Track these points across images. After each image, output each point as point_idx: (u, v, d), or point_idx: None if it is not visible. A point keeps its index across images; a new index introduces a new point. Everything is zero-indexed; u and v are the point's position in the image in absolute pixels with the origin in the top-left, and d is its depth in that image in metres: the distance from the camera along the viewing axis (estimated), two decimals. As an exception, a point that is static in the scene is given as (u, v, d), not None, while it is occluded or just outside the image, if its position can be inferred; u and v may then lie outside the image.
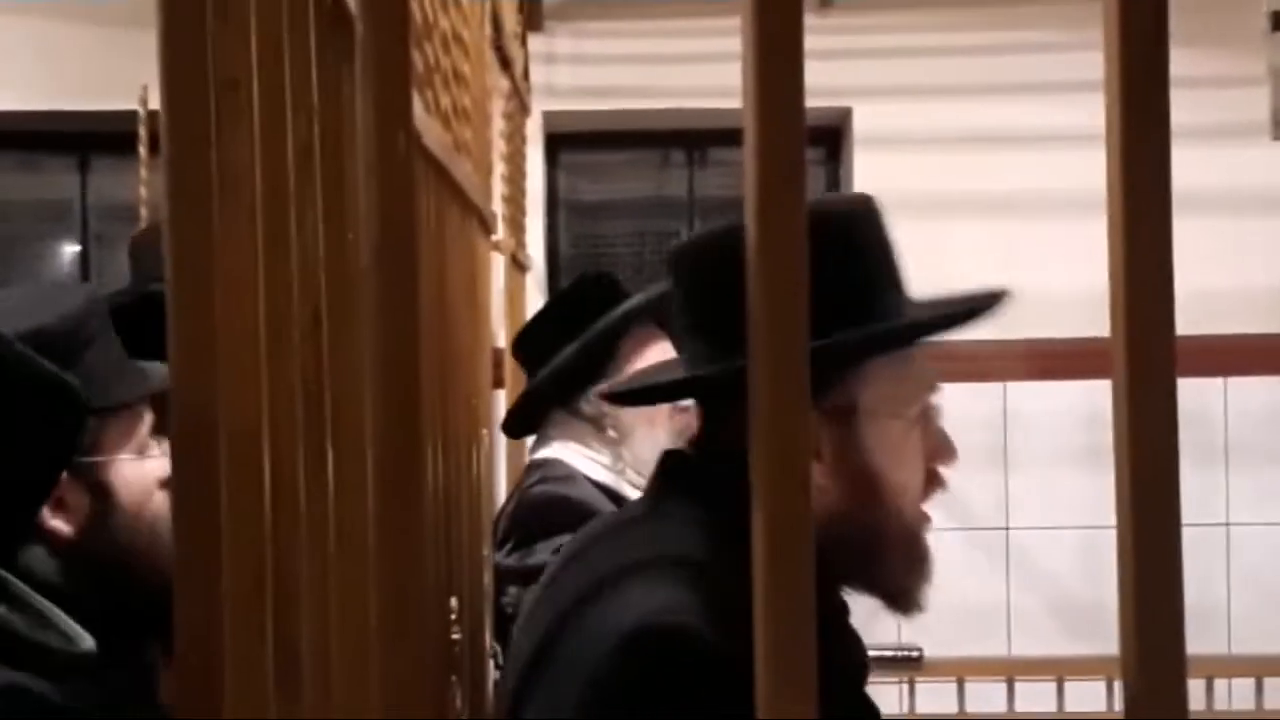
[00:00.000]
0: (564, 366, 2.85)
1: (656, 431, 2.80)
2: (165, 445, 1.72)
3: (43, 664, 1.36)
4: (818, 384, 1.44)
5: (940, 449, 1.55)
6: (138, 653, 1.72)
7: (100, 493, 1.63)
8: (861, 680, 1.58)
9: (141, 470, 1.68)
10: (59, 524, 1.58)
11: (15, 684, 1.42)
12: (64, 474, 1.54)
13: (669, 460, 1.60)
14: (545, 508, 2.74)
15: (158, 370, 1.76)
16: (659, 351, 2.78)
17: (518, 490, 2.94)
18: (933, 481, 1.55)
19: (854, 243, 1.49)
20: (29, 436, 1.36)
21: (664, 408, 2.58)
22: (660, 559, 1.45)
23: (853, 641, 1.57)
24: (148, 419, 1.72)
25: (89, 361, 1.60)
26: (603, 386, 1.77)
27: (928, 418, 1.54)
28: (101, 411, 1.59)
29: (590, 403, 2.85)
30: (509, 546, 2.74)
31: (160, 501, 1.69)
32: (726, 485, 1.49)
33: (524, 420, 3.01)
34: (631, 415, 2.79)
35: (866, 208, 1.54)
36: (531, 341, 2.92)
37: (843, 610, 1.55)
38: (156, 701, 1.72)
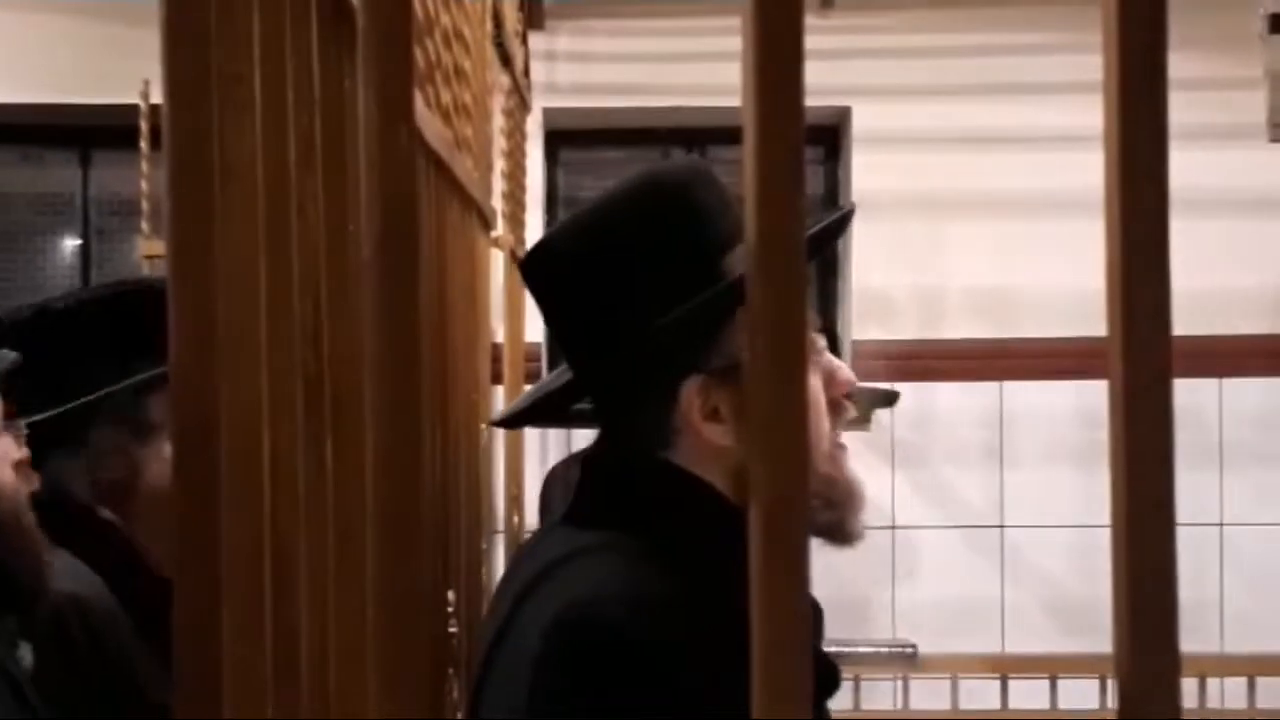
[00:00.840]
0: None
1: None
2: (17, 427, 1.81)
3: None
4: (697, 351, 1.45)
5: (832, 378, 1.54)
6: (7, 642, 1.75)
7: None
8: (817, 637, 1.58)
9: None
10: None
11: None
12: None
13: (588, 465, 1.60)
14: None
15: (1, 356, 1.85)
16: None
17: (566, 472, 2.94)
18: (835, 409, 1.54)
19: (698, 204, 1.50)
20: None
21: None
22: (602, 544, 1.46)
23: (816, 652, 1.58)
24: None
25: None
26: (493, 419, 1.77)
27: (813, 353, 1.53)
28: None
29: (489, 421, 2.86)
30: None
31: (10, 481, 1.74)
32: (645, 481, 1.50)
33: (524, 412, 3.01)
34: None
35: (701, 169, 1.55)
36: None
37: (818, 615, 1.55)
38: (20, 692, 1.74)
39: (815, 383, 1.51)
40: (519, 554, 1.65)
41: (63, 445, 2.05)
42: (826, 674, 1.52)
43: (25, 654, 1.81)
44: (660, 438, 1.47)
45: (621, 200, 1.51)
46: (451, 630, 1.87)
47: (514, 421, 1.99)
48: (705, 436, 1.45)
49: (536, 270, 1.56)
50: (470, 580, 2.15)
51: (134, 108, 4.23)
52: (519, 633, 1.43)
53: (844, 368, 1.56)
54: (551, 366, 2.99)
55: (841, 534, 1.53)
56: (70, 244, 5.40)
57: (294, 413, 0.89)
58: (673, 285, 1.45)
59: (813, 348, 1.53)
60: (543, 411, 1.73)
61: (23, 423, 1.87)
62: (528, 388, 1.79)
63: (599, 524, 1.49)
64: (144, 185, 4.26)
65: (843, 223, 1.58)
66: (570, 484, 3.01)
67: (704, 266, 1.46)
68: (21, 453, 1.81)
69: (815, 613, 1.56)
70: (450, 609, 1.87)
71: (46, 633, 1.97)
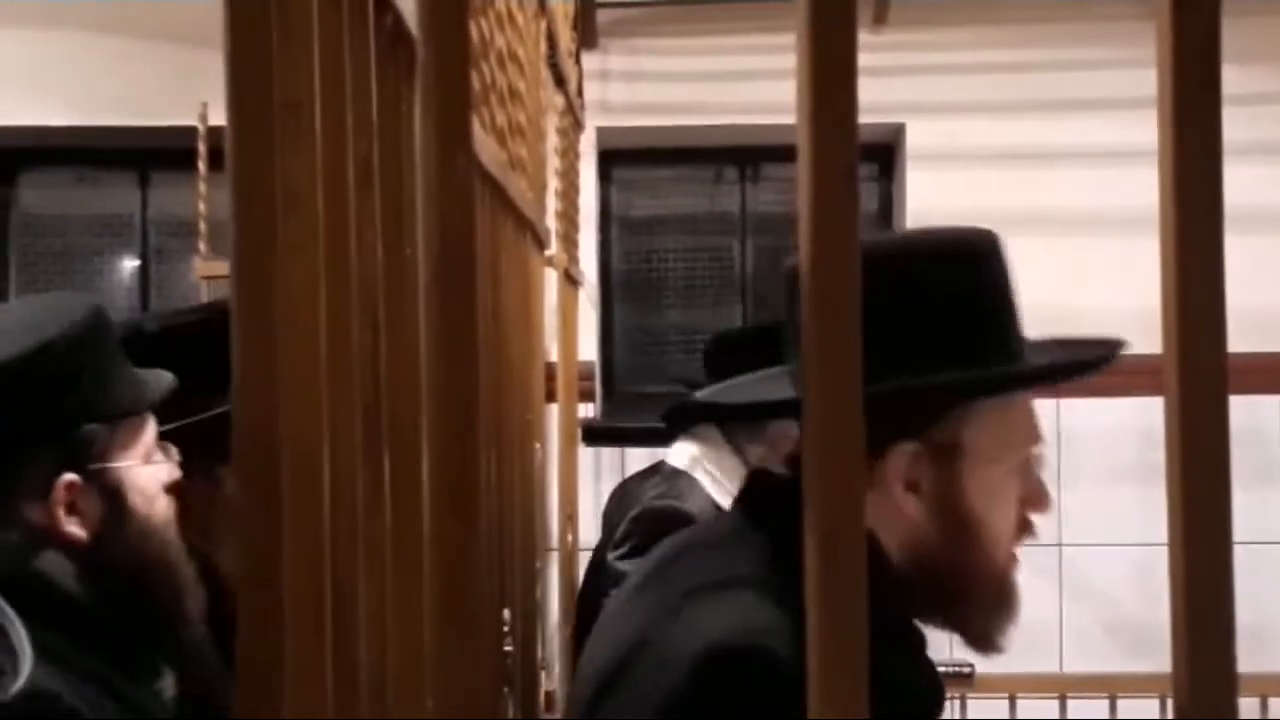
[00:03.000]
0: (751, 406, 2.85)
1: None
2: (170, 451, 1.81)
3: None
4: (926, 418, 1.43)
5: (1036, 497, 1.53)
6: (152, 672, 1.76)
7: (112, 498, 1.68)
8: (937, 709, 1.57)
9: (149, 476, 1.74)
10: (74, 529, 1.64)
11: (40, 688, 1.46)
12: (78, 480, 1.62)
13: (756, 479, 1.60)
14: (664, 519, 2.74)
15: (159, 380, 1.84)
16: None
17: (640, 490, 2.94)
18: (1024, 528, 1.53)
19: (976, 278, 1.48)
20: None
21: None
22: (738, 579, 1.45)
23: (928, 671, 1.57)
24: (151, 426, 1.78)
25: (100, 372, 1.67)
26: (704, 393, 1.74)
27: (1028, 465, 1.53)
28: (108, 419, 1.67)
29: (745, 434, 2.85)
30: (625, 549, 2.77)
31: (165, 506, 1.76)
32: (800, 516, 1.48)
33: (679, 417, 2.99)
34: (770, 450, 2.77)
35: (990, 242, 1.52)
36: (726, 351, 2.90)
37: (923, 643, 1.54)
38: None
39: (1017, 488, 1.50)
40: (659, 563, 1.63)
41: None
42: None
43: (168, 685, 1.82)
44: None
45: (914, 244, 1.48)
46: (507, 649, 1.88)
47: (718, 411, 1.98)
48: (896, 502, 1.44)
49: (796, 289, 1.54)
50: (525, 599, 2.16)
51: (192, 130, 4.27)
52: (661, 653, 1.41)
53: (1049, 495, 1.54)
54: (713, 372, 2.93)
55: (989, 643, 1.52)
56: (129, 265, 5.46)
57: (353, 436, 0.90)
58: (936, 348, 1.43)
59: (1034, 460, 1.52)
60: (745, 411, 1.70)
61: (173, 447, 1.87)
62: (739, 379, 1.75)
63: (757, 547, 1.47)
64: (201, 206, 4.30)
65: (1106, 357, 1.55)
66: (635, 499, 2.99)
67: (969, 341, 1.44)
68: (175, 475, 1.84)
69: (940, 692, 1.56)
70: (505, 628, 1.87)
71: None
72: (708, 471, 2.88)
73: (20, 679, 1.43)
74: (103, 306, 1.76)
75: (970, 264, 1.47)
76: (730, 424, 2.87)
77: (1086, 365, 1.49)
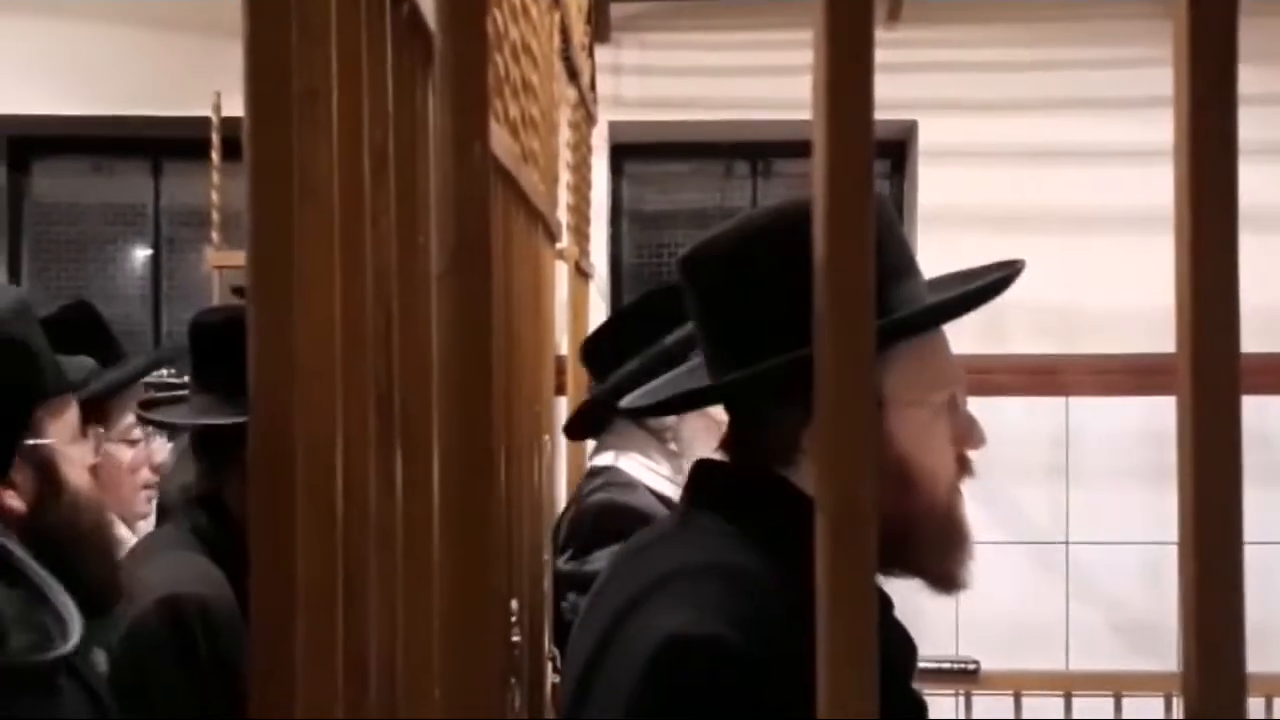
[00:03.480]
0: (629, 378, 2.86)
1: (717, 442, 2.81)
2: (96, 435, 1.92)
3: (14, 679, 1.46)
4: None
5: (967, 433, 1.54)
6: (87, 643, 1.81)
7: (46, 473, 1.79)
8: (909, 671, 1.57)
9: (78, 453, 1.82)
10: (12, 501, 1.74)
11: None
12: (14, 456, 1.72)
13: (701, 469, 1.61)
14: (605, 515, 2.75)
15: (78, 364, 1.96)
16: None
17: (577, 496, 2.95)
18: (963, 465, 1.54)
19: None
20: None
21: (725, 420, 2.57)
22: (695, 567, 1.46)
23: (897, 633, 1.57)
24: (74, 408, 1.89)
25: (31, 356, 1.77)
26: (626, 402, 1.76)
27: (954, 403, 1.53)
28: (43, 399, 1.78)
29: (623, 404, 2.86)
30: (569, 553, 2.76)
31: (90, 484, 1.86)
32: (758, 493, 1.50)
33: (586, 424, 3.03)
34: (692, 428, 2.80)
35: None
36: (599, 349, 2.93)
37: (887, 604, 1.55)
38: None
39: (947, 427, 1.51)
40: (623, 558, 1.64)
41: (236, 451, 2.10)
42: (915, 708, 1.53)
43: (100, 660, 1.86)
44: (784, 455, 1.47)
45: (794, 213, 1.49)
46: (514, 640, 1.88)
47: (643, 412, 1.99)
48: None
49: (699, 270, 1.55)
50: (533, 591, 2.16)
51: (205, 120, 4.28)
52: (624, 645, 1.42)
53: (981, 430, 1.55)
54: (595, 374, 2.98)
55: (950, 582, 1.53)
56: (142, 254, 5.48)
57: (366, 425, 0.90)
58: None
59: (959, 399, 1.53)
60: (669, 408, 1.71)
61: (99, 430, 2.01)
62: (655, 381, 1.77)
63: (712, 537, 1.48)
64: (214, 196, 4.31)
65: (1007, 281, 1.56)
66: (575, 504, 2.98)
67: (880, 292, 1.44)
68: (159, 458, 1.94)
69: (911, 650, 1.56)
70: (513, 619, 1.88)
71: (154, 633, 2.05)
72: (635, 460, 2.89)
73: (70, 643, 1.49)
74: (25, 297, 1.87)
75: None
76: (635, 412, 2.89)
77: (980, 293, 1.49)
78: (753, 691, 1.31)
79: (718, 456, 1.59)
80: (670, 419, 2.81)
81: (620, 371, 2.85)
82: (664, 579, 1.46)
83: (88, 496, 1.85)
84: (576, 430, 3.13)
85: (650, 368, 2.84)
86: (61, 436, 1.83)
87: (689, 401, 1.63)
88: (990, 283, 1.50)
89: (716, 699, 1.32)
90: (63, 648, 1.52)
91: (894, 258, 1.49)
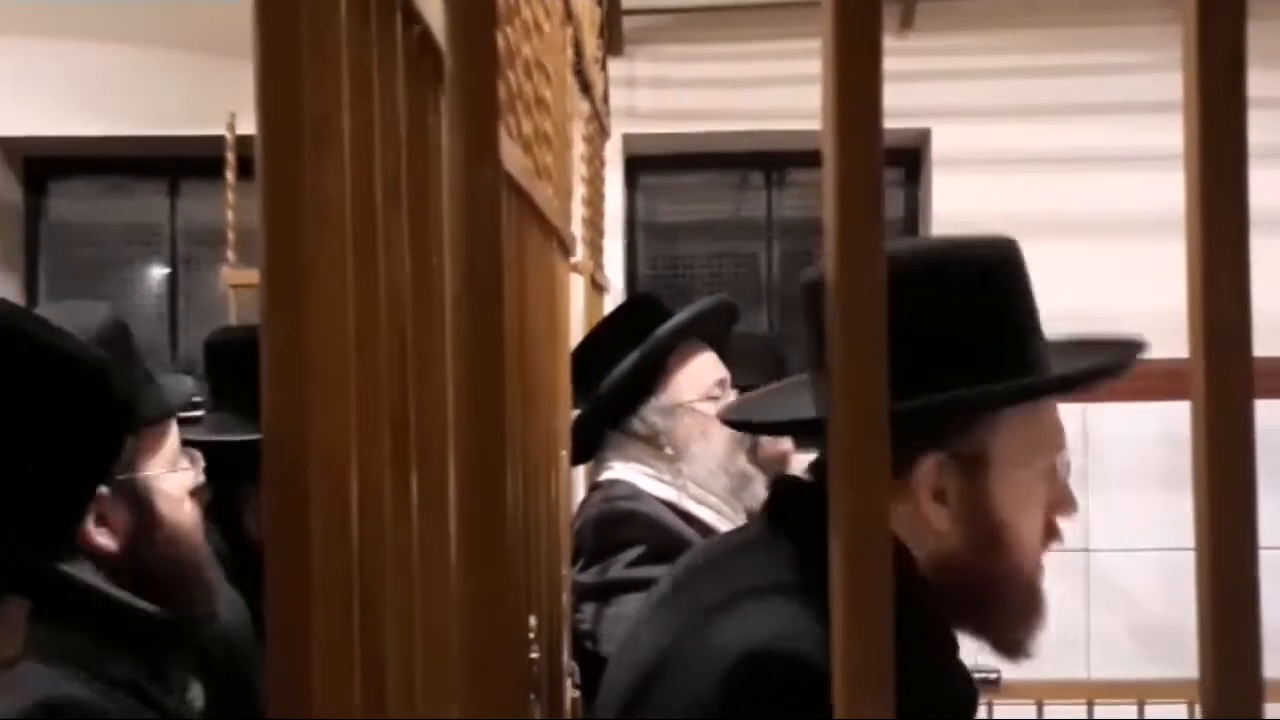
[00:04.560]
0: (614, 388, 2.87)
1: (711, 445, 2.81)
2: (195, 457, 1.79)
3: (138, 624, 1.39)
4: (952, 429, 1.43)
5: (1062, 501, 1.53)
6: (183, 680, 1.76)
7: (140, 506, 1.69)
8: (970, 712, 1.57)
9: (174, 482, 1.73)
10: (104, 540, 1.63)
11: (64, 696, 1.46)
12: (105, 490, 1.61)
13: (781, 486, 1.60)
14: (615, 523, 2.75)
15: (179, 385, 1.83)
16: (703, 364, 2.80)
17: (581, 510, 2.95)
18: (1051, 533, 1.53)
19: (996, 288, 1.47)
20: (75, 436, 1.39)
21: (716, 421, 2.55)
22: (772, 585, 1.45)
23: (962, 675, 1.56)
24: (174, 433, 1.77)
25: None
26: (724, 412, 1.74)
27: (1054, 470, 1.53)
28: (136, 429, 1.65)
29: (644, 422, 2.86)
30: (580, 564, 2.76)
31: (190, 511, 1.75)
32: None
33: (582, 446, 3.00)
34: (685, 430, 2.80)
35: (1009, 251, 1.52)
36: (581, 367, 2.92)
37: (955, 647, 1.54)
38: None
39: (1044, 493, 1.50)
40: (689, 568, 1.63)
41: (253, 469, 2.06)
42: None
43: (196, 695, 1.82)
44: None
45: (923, 252, 1.48)
46: (533, 655, 1.88)
47: (755, 429, 1.98)
48: (924, 512, 1.44)
49: (817, 301, 1.54)
50: (551, 605, 2.16)
51: (220, 139, 4.30)
52: (689, 661, 1.42)
53: (1074, 499, 1.54)
54: (579, 393, 2.95)
55: (1017, 650, 1.53)
56: (158, 273, 5.50)
57: (380, 446, 0.90)
58: (961, 359, 1.42)
59: (1059, 465, 1.52)
60: (779, 430, 1.70)
61: (196, 453, 1.86)
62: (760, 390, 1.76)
63: (787, 554, 1.48)
64: (230, 215, 4.33)
65: (1128, 360, 1.54)
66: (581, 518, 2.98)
67: (1007, 351, 1.44)
68: (199, 480, 1.82)
69: (974, 695, 1.55)
70: (531, 634, 1.88)
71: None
72: (636, 470, 2.89)
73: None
74: (120, 315, 1.75)
75: (990, 274, 1.47)
76: (623, 421, 2.89)
77: (1108, 370, 1.49)
78: (825, 709, 1.31)
79: (803, 476, 1.58)
80: (661, 423, 2.81)
81: (606, 383, 2.86)
82: (741, 594, 1.45)
83: (186, 530, 1.76)
84: (575, 454, 3.12)
85: (638, 372, 2.84)
86: (158, 466, 1.72)
87: (810, 426, 1.61)
88: (1121, 360, 1.50)
89: (794, 715, 1.31)
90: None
91: (1029, 315, 1.48)
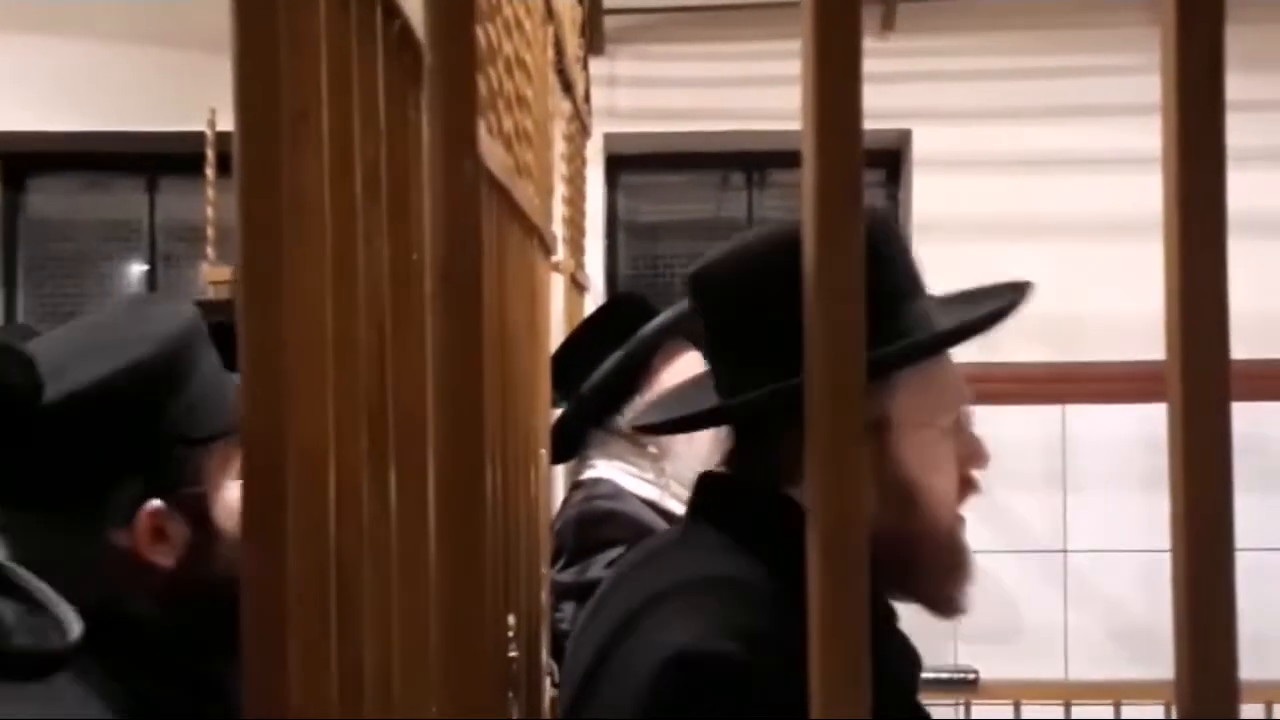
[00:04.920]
0: (599, 387, 2.87)
1: (696, 445, 2.82)
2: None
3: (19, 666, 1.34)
4: None
5: (973, 453, 1.55)
6: (235, 688, 1.73)
7: (201, 523, 1.59)
8: (913, 684, 1.57)
9: (235, 496, 1.64)
10: (159, 557, 1.55)
11: None
12: (163, 506, 1.53)
13: (706, 482, 1.60)
14: (595, 522, 2.75)
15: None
16: (688, 363, 2.80)
17: (563, 509, 2.95)
18: (966, 486, 1.54)
19: (873, 253, 1.48)
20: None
21: None
22: (696, 581, 1.45)
23: (902, 646, 1.57)
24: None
25: (191, 392, 1.57)
26: (632, 418, 1.73)
27: (960, 424, 1.54)
28: (199, 442, 1.57)
29: (628, 420, 2.86)
30: (561, 563, 2.76)
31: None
32: (766, 509, 1.49)
33: (565, 444, 3.00)
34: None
35: (880, 216, 1.53)
36: (564, 367, 2.92)
37: (890, 616, 1.55)
38: None
39: (953, 448, 1.51)
40: (627, 569, 1.64)
41: None
42: None
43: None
44: (791, 473, 1.47)
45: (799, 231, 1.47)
46: (512, 654, 1.88)
47: (654, 430, 1.99)
48: None
49: (709, 288, 1.54)
50: (530, 604, 2.16)
51: (200, 135, 4.29)
52: (628, 658, 1.42)
53: (985, 448, 1.56)
54: (563, 393, 2.95)
55: (950, 606, 1.53)
56: (137, 270, 5.48)
57: (358, 440, 0.90)
58: None
59: (965, 419, 1.53)
60: (682, 426, 1.71)
61: None
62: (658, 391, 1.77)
63: (717, 550, 1.48)
64: (209, 211, 4.31)
65: (1016, 304, 1.55)
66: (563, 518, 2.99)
67: (881, 318, 1.45)
68: None
69: (915, 663, 1.56)
70: (510, 633, 1.87)
71: None
72: (619, 469, 2.89)
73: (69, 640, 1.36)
74: (196, 314, 1.64)
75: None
76: (607, 419, 2.90)
77: (991, 318, 1.49)
78: (757, 705, 1.31)
79: (721, 470, 1.59)
80: None
81: (590, 381, 2.86)
82: (667, 592, 1.46)
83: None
84: (558, 453, 3.12)
85: (622, 371, 2.85)
86: (219, 480, 1.61)
87: (705, 420, 1.63)
88: (1002, 307, 1.51)
89: (722, 714, 1.32)
90: (62, 643, 1.40)
91: (904, 278, 1.49)
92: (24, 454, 1.48)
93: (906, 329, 1.46)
